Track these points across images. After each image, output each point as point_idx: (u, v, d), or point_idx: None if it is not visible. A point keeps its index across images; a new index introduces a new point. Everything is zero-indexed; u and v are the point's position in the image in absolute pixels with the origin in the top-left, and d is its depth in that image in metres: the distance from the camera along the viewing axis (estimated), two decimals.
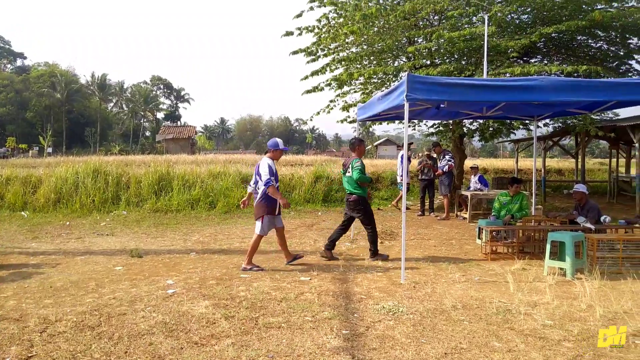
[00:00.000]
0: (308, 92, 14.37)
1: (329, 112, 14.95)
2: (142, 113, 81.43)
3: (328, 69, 14.42)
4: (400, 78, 14.93)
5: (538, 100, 6.23)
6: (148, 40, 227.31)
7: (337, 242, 7.53)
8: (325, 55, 14.36)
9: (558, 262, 6.36)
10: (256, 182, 6.68)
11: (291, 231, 9.94)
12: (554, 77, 6.76)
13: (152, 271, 6.56)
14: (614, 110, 14.30)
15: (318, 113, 15.03)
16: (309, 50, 14.10)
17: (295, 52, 14.14)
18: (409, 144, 13.39)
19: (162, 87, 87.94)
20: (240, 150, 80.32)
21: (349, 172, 7.28)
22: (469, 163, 15.04)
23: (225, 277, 6.18)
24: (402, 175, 12.67)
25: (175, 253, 7.76)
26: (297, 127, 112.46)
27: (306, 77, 14.54)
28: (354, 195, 7.30)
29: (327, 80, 13.97)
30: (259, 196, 6.60)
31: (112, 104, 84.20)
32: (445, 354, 3.86)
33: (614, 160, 18.78)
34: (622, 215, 11.53)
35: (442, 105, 7.36)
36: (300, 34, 14.25)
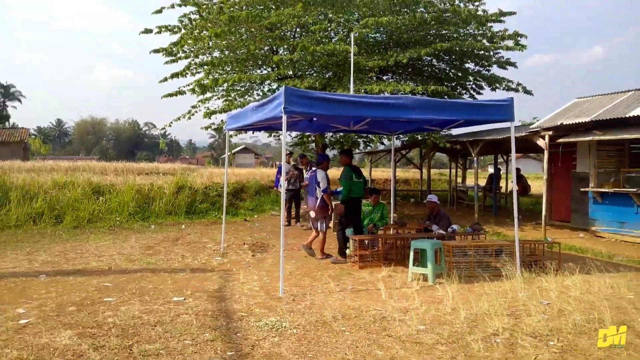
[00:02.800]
0: (170, 95, 13.78)
1: (189, 118, 14.52)
2: None
3: (189, 72, 14.00)
4: (264, 87, 15.14)
5: (403, 117, 6.73)
6: None
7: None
8: (186, 57, 13.93)
9: (420, 269, 6.91)
10: (314, 190, 8.22)
11: (154, 247, 9.37)
12: (418, 97, 7.40)
13: None
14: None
15: (179, 119, 14.51)
16: (169, 50, 13.56)
17: (156, 51, 13.49)
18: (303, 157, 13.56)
19: None
20: (80, 156, 73.73)
21: (360, 178, 8.38)
22: (335, 173, 15.63)
23: (86, 302, 5.59)
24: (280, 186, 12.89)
25: (20, 276, 6.81)
26: (147, 132, 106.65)
27: (165, 79, 13.96)
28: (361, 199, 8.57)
29: (190, 84, 13.54)
30: (319, 201, 8.10)
31: None
32: None
33: (452, 171, 21.03)
34: (462, 222, 12.94)
35: (314, 119, 7.57)
36: (159, 32, 13.64)
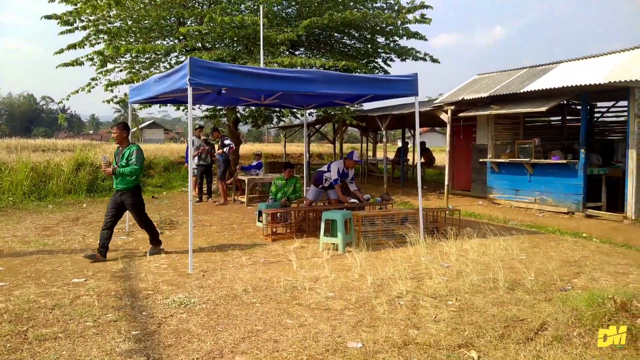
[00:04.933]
0: (65, 65, 12.77)
1: (89, 91, 13.60)
2: None
3: (88, 42, 13.06)
4: (171, 59, 14.49)
5: (312, 91, 6.73)
6: None
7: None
8: (84, 28, 12.96)
9: (331, 239, 7.06)
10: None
11: (52, 227, 8.77)
12: (327, 72, 7.41)
13: None
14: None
15: (77, 91, 13.53)
16: (64, 19, 12.51)
17: (48, 17, 12.37)
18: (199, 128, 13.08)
19: None
20: None
21: None
22: (248, 148, 15.44)
23: None
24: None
25: None
26: (44, 107, 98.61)
27: (61, 51, 12.93)
28: None
29: (89, 55, 12.62)
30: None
31: None
32: (243, 338, 3.93)
33: (364, 145, 21.56)
34: (372, 192, 13.37)
35: (223, 91, 7.36)
36: (52, 0, 12.56)
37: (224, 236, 8.17)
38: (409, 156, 20.97)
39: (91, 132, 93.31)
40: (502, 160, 11.69)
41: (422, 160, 18.17)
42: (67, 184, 12.62)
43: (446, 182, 12.00)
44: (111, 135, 7.19)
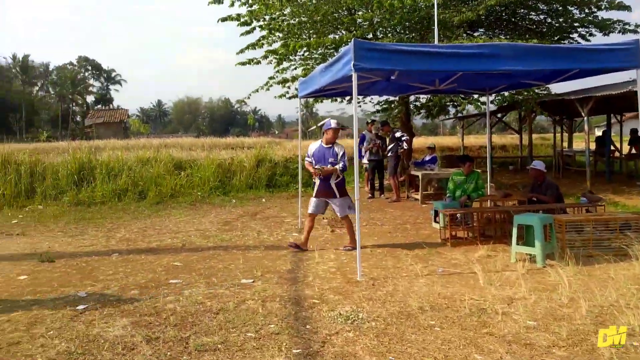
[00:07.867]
0: (242, 64, 13.33)
1: (267, 89, 14.00)
2: (71, 97, 76.15)
3: (265, 42, 13.43)
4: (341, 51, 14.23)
5: (496, 68, 5.57)
6: (70, 18, 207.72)
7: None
8: (261, 28, 13.35)
9: (526, 248, 5.83)
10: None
11: (232, 222, 9.00)
12: (515, 43, 6.16)
13: (63, 280, 5.48)
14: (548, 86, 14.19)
15: (257, 90, 14.04)
16: (242, 20, 13.00)
17: (224, 19, 13.00)
18: (372, 122, 12.66)
19: (90, 68, 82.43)
20: (180, 134, 77.46)
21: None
22: (421, 141, 14.55)
23: (150, 285, 5.21)
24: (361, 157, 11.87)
25: (94, 255, 6.63)
26: (239, 109, 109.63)
27: (242, 51, 13.50)
28: None
29: (265, 53, 12.95)
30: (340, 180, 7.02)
31: (37, 88, 78.60)
32: None
33: (558, 135, 18.94)
34: (571, 190, 11.39)
35: (392, 77, 6.60)
36: (232, 5, 13.16)
37: (396, 237, 7.45)
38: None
39: (277, 131, 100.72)
40: None
41: (634, 151, 15.21)
42: (249, 179, 13.19)
43: None
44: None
